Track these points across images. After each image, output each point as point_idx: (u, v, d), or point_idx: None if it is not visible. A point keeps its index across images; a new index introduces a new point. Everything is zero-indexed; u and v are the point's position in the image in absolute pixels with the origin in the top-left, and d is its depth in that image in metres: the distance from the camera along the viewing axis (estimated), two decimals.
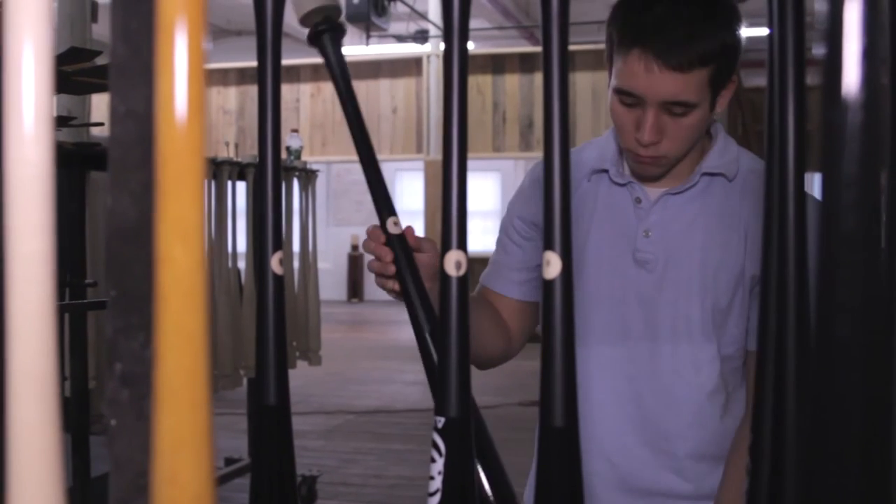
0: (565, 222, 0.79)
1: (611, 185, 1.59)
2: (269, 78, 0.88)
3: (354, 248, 17.84)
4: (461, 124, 0.83)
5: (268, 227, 0.89)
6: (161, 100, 0.39)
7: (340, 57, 1.29)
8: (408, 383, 8.46)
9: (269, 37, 0.88)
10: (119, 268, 0.63)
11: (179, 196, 0.39)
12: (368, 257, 1.43)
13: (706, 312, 1.52)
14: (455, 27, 0.82)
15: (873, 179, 0.37)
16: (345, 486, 4.68)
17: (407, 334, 11.65)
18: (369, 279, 17.93)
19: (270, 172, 0.88)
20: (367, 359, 9.91)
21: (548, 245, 0.78)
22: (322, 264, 5.88)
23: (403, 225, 1.36)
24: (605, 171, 1.58)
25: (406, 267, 1.34)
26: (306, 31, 1.30)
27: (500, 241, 1.71)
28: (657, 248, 1.54)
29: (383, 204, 1.33)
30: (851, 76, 0.38)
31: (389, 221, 1.33)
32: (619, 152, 1.58)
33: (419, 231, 1.49)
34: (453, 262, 0.83)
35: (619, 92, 1.45)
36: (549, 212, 0.78)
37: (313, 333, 4.82)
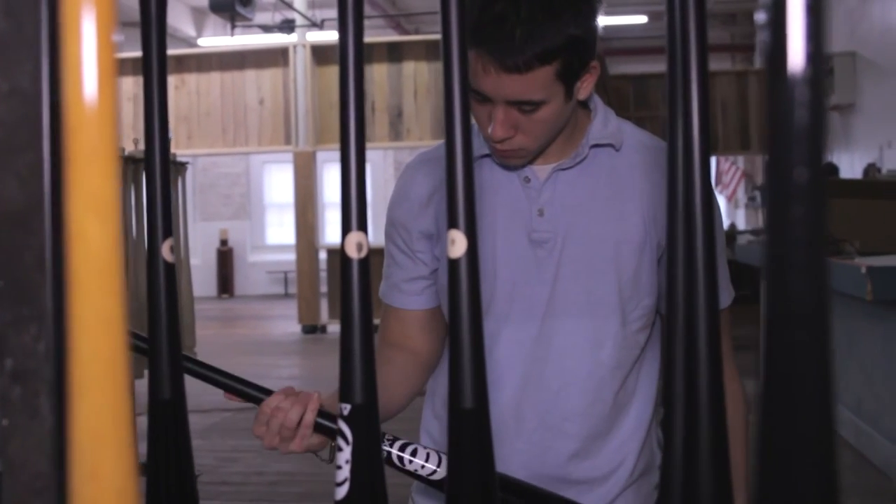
0: (469, 200, 0.78)
1: (494, 168, 1.56)
2: (154, 67, 0.84)
3: (223, 242, 17.57)
4: (358, 108, 0.80)
5: (157, 214, 0.85)
6: (68, 67, 0.36)
7: None
8: (284, 378, 8.36)
9: (153, 24, 0.84)
10: (7, 256, 0.59)
11: (92, 168, 0.36)
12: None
13: (611, 286, 1.51)
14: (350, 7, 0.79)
15: (818, 142, 0.37)
16: (225, 486, 4.60)
17: (280, 329, 11.59)
18: (239, 273, 17.70)
19: (159, 159, 0.84)
20: (241, 354, 9.76)
21: (452, 224, 0.77)
22: (191, 260, 5.75)
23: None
24: (487, 155, 1.55)
25: None
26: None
27: (389, 254, 1.65)
28: (553, 226, 1.52)
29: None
30: (797, 53, 0.37)
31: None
32: None
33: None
34: (354, 244, 0.81)
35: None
36: (452, 190, 0.77)
37: (188, 330, 4.73)
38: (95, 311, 0.36)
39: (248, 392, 1.45)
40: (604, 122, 1.54)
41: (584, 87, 1.46)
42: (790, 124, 0.35)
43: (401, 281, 1.63)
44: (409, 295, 1.63)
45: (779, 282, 0.36)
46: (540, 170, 1.55)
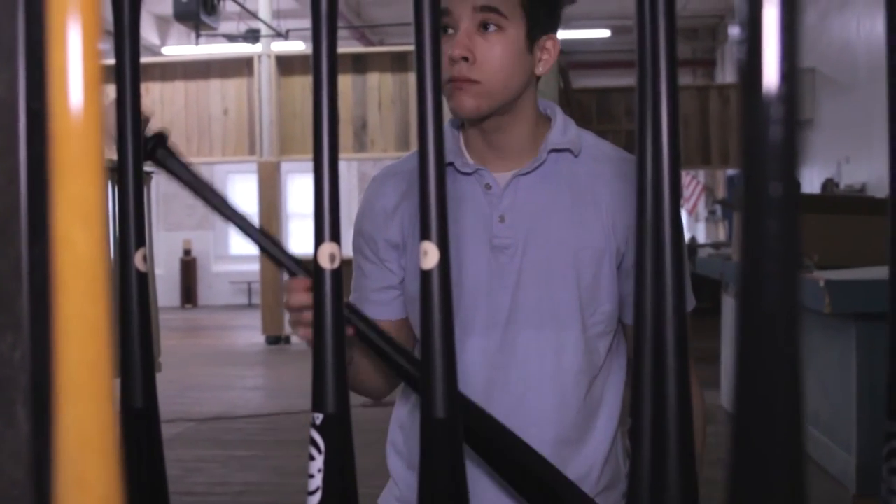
0: (441, 212, 0.78)
1: (457, 176, 1.57)
2: (127, 76, 0.84)
3: (187, 252, 17.46)
4: (331, 120, 0.81)
5: (129, 223, 0.85)
6: (54, 76, 0.36)
7: (184, 166, 1.26)
8: (248, 388, 8.32)
9: (126, 33, 0.84)
10: None
11: (79, 174, 0.36)
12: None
13: (572, 291, 1.53)
14: (323, 17, 0.80)
15: (792, 158, 0.38)
16: (190, 496, 4.56)
17: (244, 339, 11.45)
18: (203, 284, 17.59)
19: (131, 168, 0.85)
20: (205, 365, 9.70)
21: (424, 235, 0.77)
22: (155, 269, 5.71)
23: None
24: (450, 163, 1.57)
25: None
26: None
27: (357, 266, 1.66)
28: (515, 232, 1.54)
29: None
30: (772, 70, 0.38)
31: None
32: (460, 142, 1.58)
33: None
34: (327, 255, 0.81)
35: None
36: (425, 203, 0.78)
37: (153, 339, 4.69)
38: (81, 317, 0.37)
39: (282, 261, 1.43)
40: (563, 130, 1.57)
41: (544, 62, 1.52)
42: (765, 141, 0.36)
43: (370, 291, 1.64)
44: (379, 305, 1.63)
45: (753, 295, 0.37)
46: (500, 177, 1.57)
